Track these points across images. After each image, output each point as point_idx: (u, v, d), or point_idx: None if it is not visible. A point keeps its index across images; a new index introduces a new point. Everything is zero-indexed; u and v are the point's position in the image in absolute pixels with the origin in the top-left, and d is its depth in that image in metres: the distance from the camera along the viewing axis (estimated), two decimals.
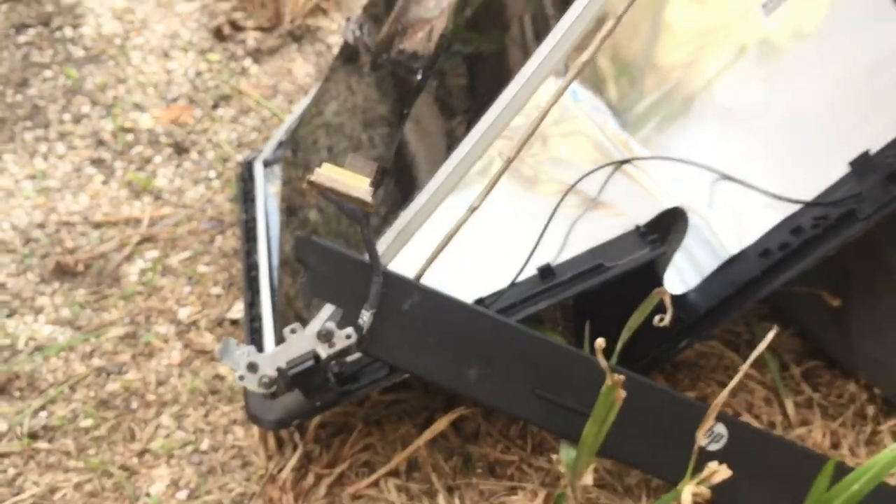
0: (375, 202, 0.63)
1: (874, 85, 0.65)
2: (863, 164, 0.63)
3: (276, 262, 0.87)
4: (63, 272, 0.90)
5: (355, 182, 0.61)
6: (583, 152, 0.89)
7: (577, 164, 0.87)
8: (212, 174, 1.03)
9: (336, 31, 1.24)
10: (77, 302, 0.88)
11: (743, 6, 0.79)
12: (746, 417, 0.77)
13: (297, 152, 0.96)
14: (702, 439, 0.62)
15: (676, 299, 0.71)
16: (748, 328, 0.84)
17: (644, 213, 0.72)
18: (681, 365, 0.80)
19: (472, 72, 0.75)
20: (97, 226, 0.96)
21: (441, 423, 0.73)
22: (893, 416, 0.78)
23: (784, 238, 0.66)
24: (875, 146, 0.63)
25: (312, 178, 0.61)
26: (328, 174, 0.61)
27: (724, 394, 0.59)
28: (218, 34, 1.22)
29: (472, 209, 0.64)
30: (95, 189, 1.00)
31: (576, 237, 0.77)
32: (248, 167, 1.00)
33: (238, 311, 0.87)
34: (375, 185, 0.63)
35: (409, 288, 0.62)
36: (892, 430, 0.77)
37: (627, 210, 0.76)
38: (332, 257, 0.62)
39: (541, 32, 0.65)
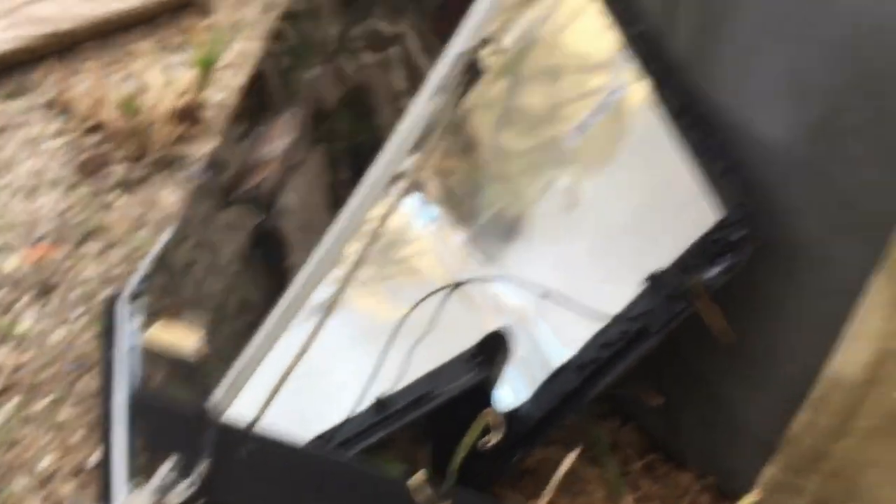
0: (213, 349, 0.67)
1: (660, 209, 0.72)
2: (653, 282, 0.69)
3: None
4: None
5: (185, 339, 0.65)
6: (427, 270, 0.94)
7: (423, 282, 0.93)
8: (77, 313, 1.04)
9: (202, 157, 1.28)
10: None
11: (560, 132, 0.86)
12: None
13: (160, 285, 0.99)
14: None
15: (510, 412, 0.76)
16: (588, 429, 0.89)
17: (477, 333, 0.77)
18: (525, 472, 0.84)
19: (308, 209, 0.79)
20: None
21: None
22: (725, 502, 0.84)
23: (596, 352, 0.72)
24: (664, 265, 0.69)
25: (145, 338, 0.64)
26: (160, 334, 0.64)
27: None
28: (84, 169, 1.25)
29: (303, 351, 0.68)
30: None
31: (416, 360, 0.81)
32: (111, 303, 1.02)
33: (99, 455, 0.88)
34: (209, 335, 0.67)
35: (243, 436, 0.65)
36: None
37: (462, 330, 0.81)
38: (168, 411, 0.65)
39: (369, 159, 0.70)
